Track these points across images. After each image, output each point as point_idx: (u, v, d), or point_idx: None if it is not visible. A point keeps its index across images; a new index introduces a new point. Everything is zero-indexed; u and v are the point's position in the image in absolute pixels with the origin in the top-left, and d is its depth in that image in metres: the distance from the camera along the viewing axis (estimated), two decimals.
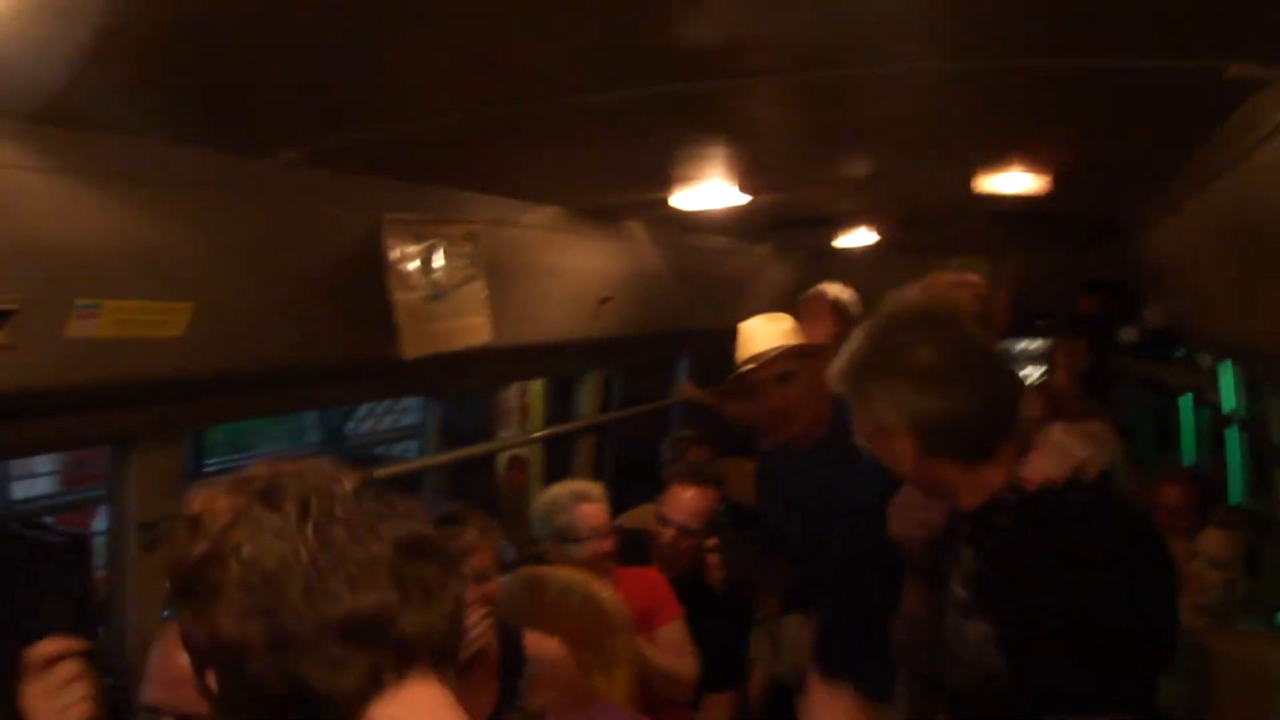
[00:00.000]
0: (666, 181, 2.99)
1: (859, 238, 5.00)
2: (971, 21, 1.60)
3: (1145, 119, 2.22)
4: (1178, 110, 2.07)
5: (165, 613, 2.13)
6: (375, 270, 2.50)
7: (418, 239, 2.55)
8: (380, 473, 3.91)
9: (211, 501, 1.04)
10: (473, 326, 2.72)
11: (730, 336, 2.80)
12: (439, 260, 2.64)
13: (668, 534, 3.58)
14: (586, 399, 4.82)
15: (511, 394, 7.21)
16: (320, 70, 1.72)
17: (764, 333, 2.86)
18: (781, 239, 5.16)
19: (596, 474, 4.92)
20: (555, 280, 3.39)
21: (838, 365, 1.75)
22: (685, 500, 3.61)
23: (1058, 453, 1.67)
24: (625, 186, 3.09)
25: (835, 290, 3.86)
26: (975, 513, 1.69)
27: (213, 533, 1.01)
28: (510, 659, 2.55)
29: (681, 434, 5.09)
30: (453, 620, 1.05)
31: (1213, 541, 2.88)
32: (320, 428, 7.81)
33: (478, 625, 2.39)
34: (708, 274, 4.77)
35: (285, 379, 2.66)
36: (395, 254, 2.49)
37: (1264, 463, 4.67)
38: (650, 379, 6.13)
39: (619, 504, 3.85)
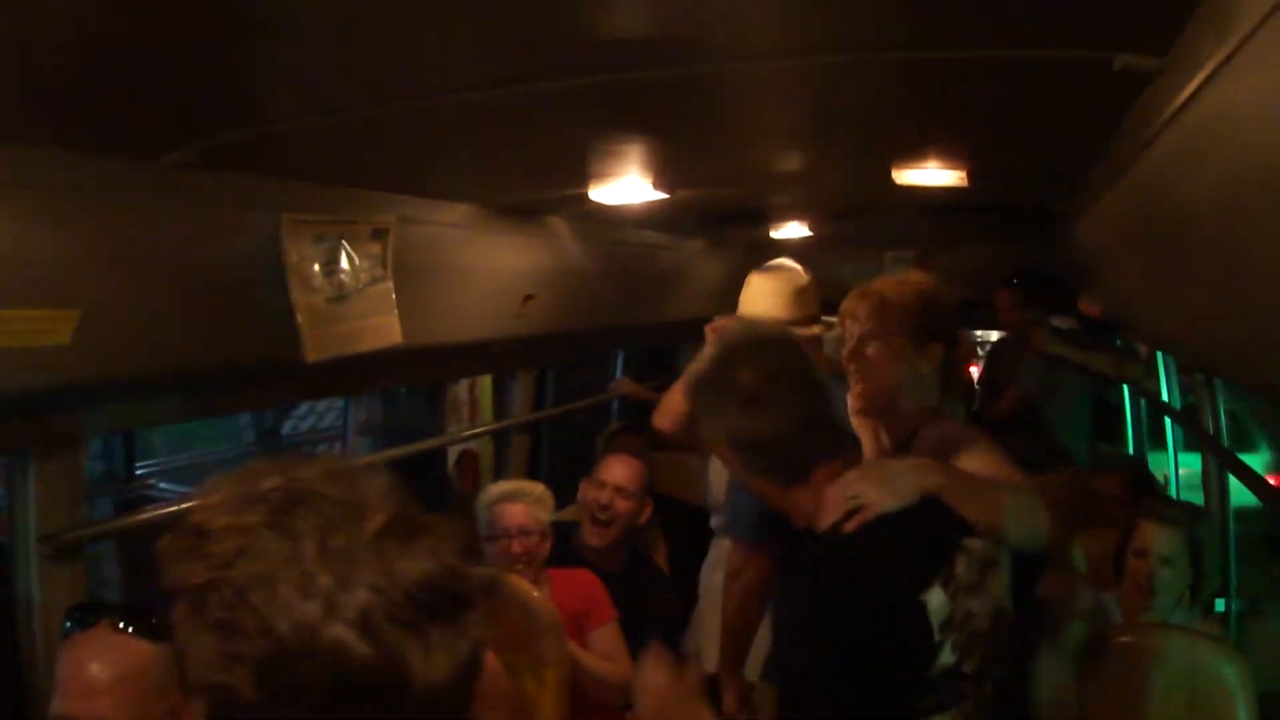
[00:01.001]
0: (584, 177, 2.94)
1: (792, 231, 4.98)
2: (866, 13, 1.57)
3: (1052, 111, 2.20)
4: (1081, 102, 2.05)
5: (69, 624, 2.07)
6: (277, 272, 2.44)
7: (319, 240, 2.49)
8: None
9: (215, 515, 0.92)
10: (380, 328, 2.67)
11: (666, 332, 2.79)
12: (344, 261, 2.58)
13: (604, 495, 3.58)
14: (519, 396, 4.76)
15: (461, 388, 7.16)
16: (203, 68, 1.64)
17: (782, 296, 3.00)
18: (715, 234, 5.13)
19: (532, 471, 4.89)
20: (473, 278, 3.33)
21: (686, 380, 1.88)
22: (620, 465, 3.64)
23: (836, 497, 1.75)
24: (541, 183, 3.03)
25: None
26: (795, 535, 1.81)
27: (215, 560, 0.89)
28: None
29: (614, 428, 5.07)
30: (462, 673, 0.96)
31: (1160, 538, 2.86)
32: (255, 427, 7.67)
33: None
34: (640, 270, 4.73)
35: (184, 385, 2.59)
36: (295, 256, 2.43)
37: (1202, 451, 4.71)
38: (587, 375, 6.10)
39: (556, 500, 3.81)
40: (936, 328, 2.27)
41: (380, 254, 2.69)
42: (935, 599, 1.68)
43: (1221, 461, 3.90)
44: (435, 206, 2.94)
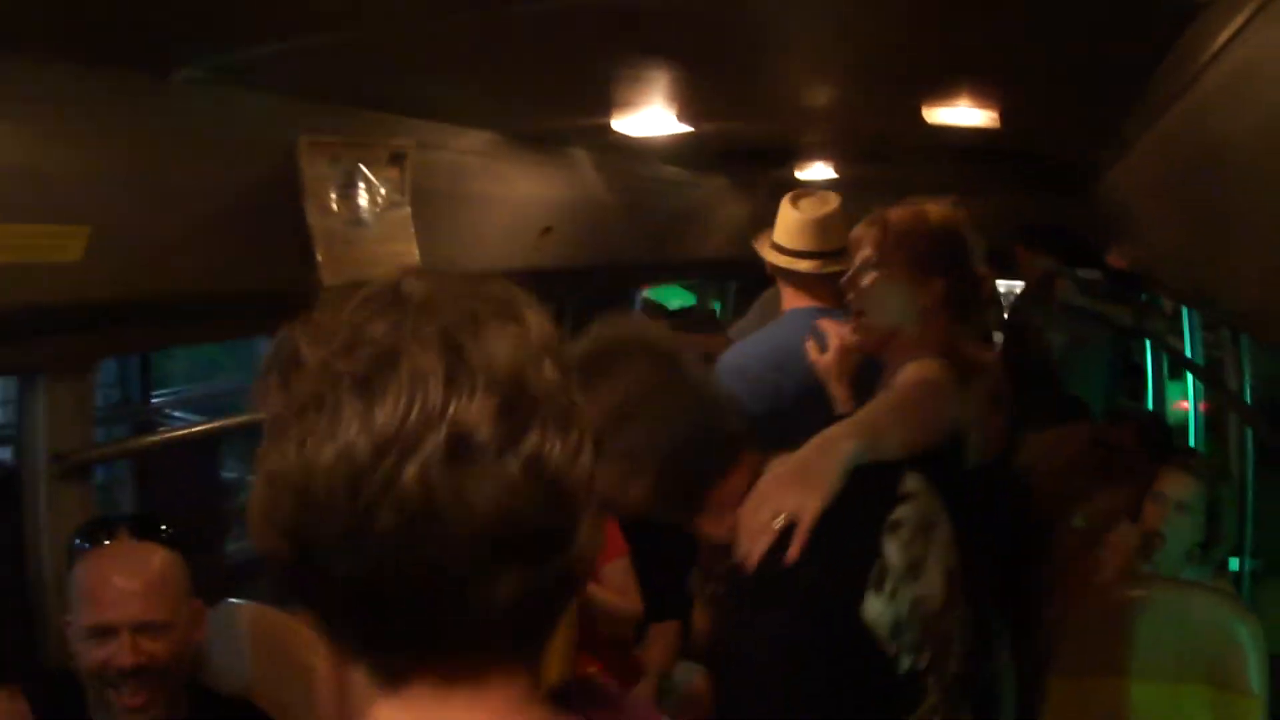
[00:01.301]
0: (606, 106, 2.88)
1: (816, 173, 4.91)
2: None
3: (1089, 47, 2.12)
4: (1120, 38, 1.98)
5: (78, 541, 2.11)
6: (293, 195, 2.40)
7: (335, 162, 2.45)
8: None
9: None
10: (398, 254, 2.63)
11: (686, 270, 2.73)
12: (361, 184, 2.54)
13: None
14: None
15: None
16: None
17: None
18: (738, 173, 5.06)
19: None
20: (491, 208, 3.28)
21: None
22: None
23: (751, 521, 1.52)
24: (561, 111, 2.97)
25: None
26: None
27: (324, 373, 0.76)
28: None
29: None
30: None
31: (1177, 484, 2.81)
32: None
33: None
34: (661, 206, 4.67)
35: (196, 308, 2.57)
36: (311, 177, 2.39)
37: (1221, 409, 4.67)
38: (606, 312, 6.05)
39: None
40: (943, 260, 2.09)
41: (398, 179, 2.65)
42: (872, 609, 1.49)
43: (1245, 419, 3.84)
44: (454, 132, 2.90)
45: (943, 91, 2.75)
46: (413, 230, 2.67)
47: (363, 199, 2.55)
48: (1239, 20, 1.39)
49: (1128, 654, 2.52)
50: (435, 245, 2.86)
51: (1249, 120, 1.55)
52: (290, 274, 2.49)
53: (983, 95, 2.73)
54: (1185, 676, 2.49)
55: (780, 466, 1.58)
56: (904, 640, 1.51)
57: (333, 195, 2.46)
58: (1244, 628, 2.46)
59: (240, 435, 6.57)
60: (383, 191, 2.60)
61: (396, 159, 2.65)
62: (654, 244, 4.81)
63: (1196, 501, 2.79)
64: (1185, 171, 2.33)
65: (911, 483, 1.65)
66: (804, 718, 1.42)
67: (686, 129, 3.00)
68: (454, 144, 2.93)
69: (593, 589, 3.16)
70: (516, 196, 3.39)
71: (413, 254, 2.66)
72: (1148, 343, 6.03)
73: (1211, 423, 5.00)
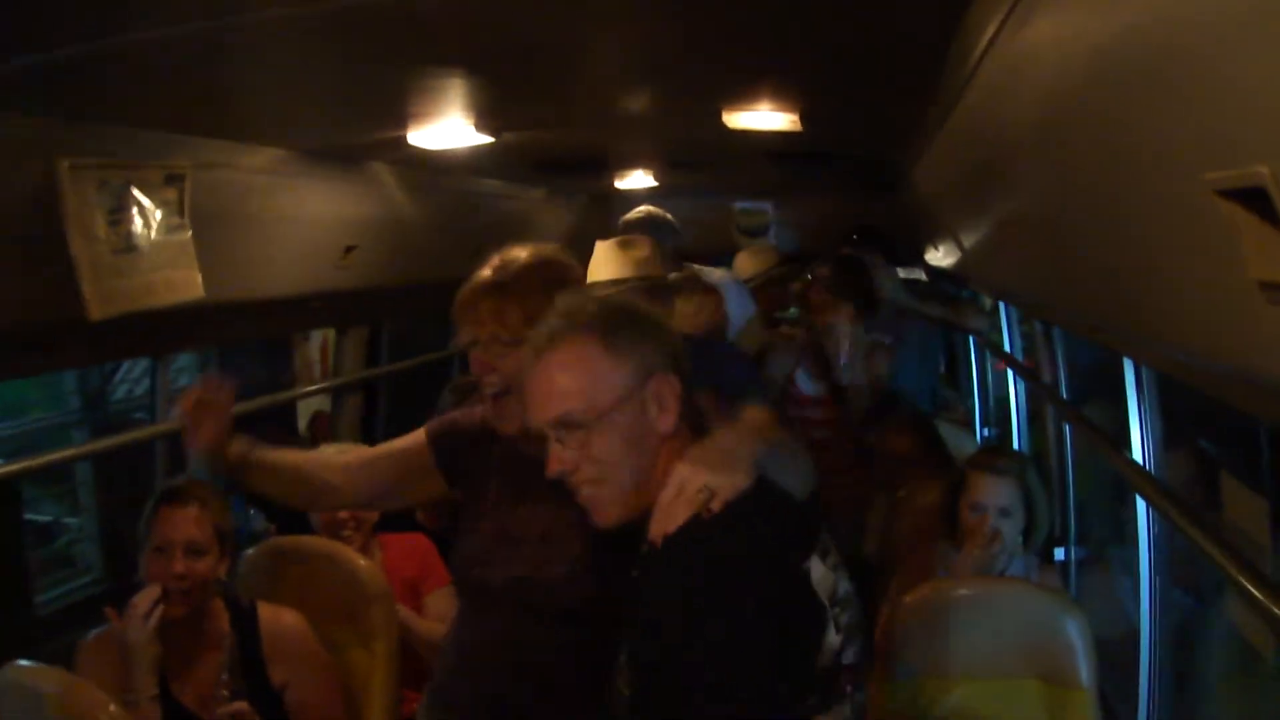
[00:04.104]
0: (401, 118, 2.77)
1: (637, 181, 4.88)
2: None
3: (879, 45, 2.13)
4: (907, 33, 1.98)
5: None
6: (56, 222, 2.22)
7: (103, 186, 2.27)
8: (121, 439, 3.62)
9: None
10: (179, 281, 2.47)
11: None
12: (134, 210, 2.36)
13: None
14: (349, 353, 4.56)
15: (312, 347, 6.88)
16: None
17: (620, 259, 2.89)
18: (556, 183, 4.99)
19: (369, 433, 4.71)
20: (285, 228, 3.12)
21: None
22: None
23: (672, 501, 1.53)
24: (353, 125, 2.84)
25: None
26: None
27: None
28: (241, 633, 2.45)
29: (460, 380, 4.93)
30: None
31: (992, 491, 2.85)
32: (80, 392, 7.23)
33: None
34: (478, 220, 4.55)
35: None
36: (75, 204, 2.20)
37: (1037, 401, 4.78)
38: (433, 330, 5.93)
39: None
40: None
41: (176, 201, 2.48)
42: (816, 570, 1.53)
43: (1060, 412, 3.93)
44: (237, 150, 2.73)
45: (744, 96, 2.74)
46: (194, 255, 2.50)
47: (136, 224, 2.38)
48: (1004, 9, 1.38)
49: (955, 652, 2.52)
50: (223, 270, 2.71)
51: (1024, 111, 1.55)
52: (59, 307, 2.30)
53: (782, 98, 2.73)
54: (1014, 672, 2.50)
55: (701, 452, 1.58)
56: (835, 613, 1.53)
57: (100, 221, 2.27)
58: (1071, 621, 2.48)
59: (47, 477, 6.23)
60: (159, 215, 2.42)
61: (173, 180, 2.48)
62: (473, 259, 4.68)
63: (1016, 501, 2.83)
64: (976, 165, 2.36)
65: None
66: (734, 659, 1.42)
67: (487, 140, 2.91)
68: (239, 162, 2.76)
69: (416, 621, 3.04)
70: (313, 215, 3.24)
71: (195, 281, 2.50)
72: (970, 338, 6.18)
73: (1033, 415, 5.13)
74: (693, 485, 1.51)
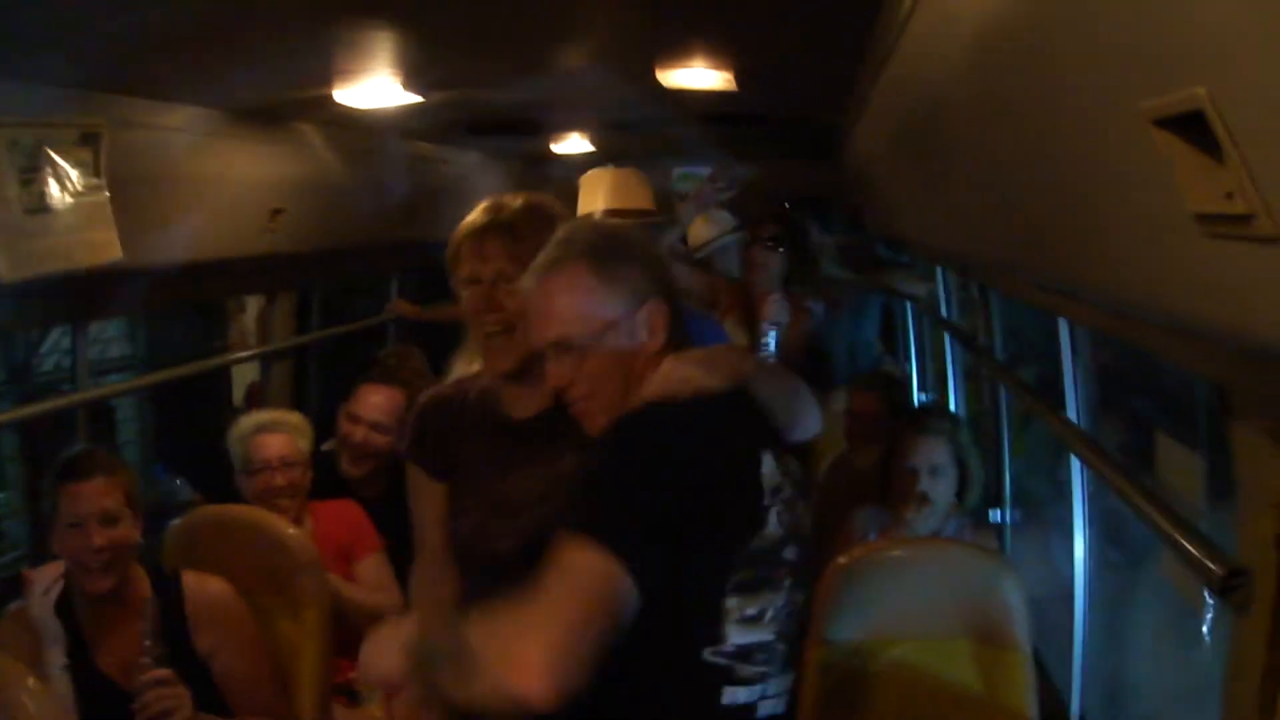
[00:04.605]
0: (326, 76, 2.70)
1: (574, 145, 4.83)
2: None
3: (809, 2, 2.10)
4: None
5: None
6: None
7: (12, 145, 2.18)
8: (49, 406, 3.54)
9: None
10: (96, 243, 2.39)
11: (445, 250, 2.46)
12: (47, 169, 2.28)
13: (359, 432, 3.46)
14: (278, 320, 4.47)
15: (248, 316, 6.77)
16: None
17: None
18: (490, 146, 4.92)
19: (298, 400, 4.64)
20: (208, 190, 3.04)
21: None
22: (375, 395, 3.50)
23: (659, 380, 1.67)
24: (276, 82, 2.75)
25: None
26: None
27: None
28: (165, 601, 2.38)
29: (391, 350, 4.87)
30: None
31: (926, 450, 2.87)
32: (4, 364, 7.03)
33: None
34: (409, 184, 4.48)
35: None
36: None
37: (976, 367, 4.81)
38: (367, 297, 5.85)
39: (326, 431, 3.62)
40: None
41: (92, 161, 2.40)
42: (766, 464, 1.65)
43: (995, 375, 3.97)
44: (157, 109, 2.64)
45: (677, 54, 2.70)
46: (111, 217, 2.43)
47: (50, 185, 2.30)
48: None
49: (890, 614, 2.53)
50: (144, 233, 2.63)
51: (957, 60, 1.53)
52: None
53: (716, 56, 2.70)
54: (949, 633, 2.51)
55: (692, 352, 1.74)
56: (777, 508, 1.63)
57: (11, 181, 2.19)
58: (1007, 581, 2.49)
59: None
60: (74, 176, 2.34)
61: (89, 140, 2.40)
62: (406, 223, 4.62)
63: (947, 461, 2.85)
64: (911, 123, 2.34)
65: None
66: (671, 512, 1.52)
67: (415, 99, 2.85)
68: (159, 121, 2.67)
69: (346, 588, 3.02)
70: (238, 177, 3.16)
71: (113, 243, 2.42)
72: (908, 304, 6.20)
73: (970, 376, 5.17)
74: (676, 375, 1.66)
